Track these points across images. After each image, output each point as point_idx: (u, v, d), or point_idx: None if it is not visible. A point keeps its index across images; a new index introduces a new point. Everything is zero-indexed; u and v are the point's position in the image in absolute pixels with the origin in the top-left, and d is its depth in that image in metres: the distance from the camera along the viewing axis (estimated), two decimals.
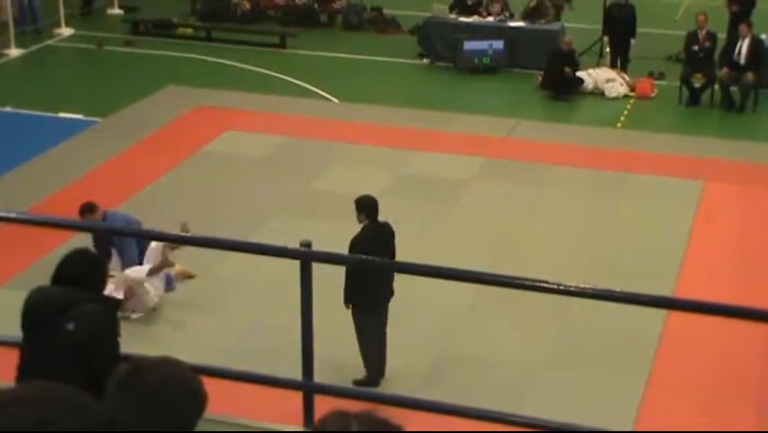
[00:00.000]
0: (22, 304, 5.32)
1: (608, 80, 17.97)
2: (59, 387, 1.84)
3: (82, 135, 15.54)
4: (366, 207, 9.38)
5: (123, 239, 10.73)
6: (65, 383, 2.02)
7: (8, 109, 16.62)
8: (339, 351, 9.48)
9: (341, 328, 9.46)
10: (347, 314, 9.42)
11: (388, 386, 9.40)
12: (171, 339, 10.05)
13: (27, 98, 17.14)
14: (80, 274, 5.26)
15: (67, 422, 1.73)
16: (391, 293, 9.42)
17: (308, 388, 5.47)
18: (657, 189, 13.83)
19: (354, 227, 9.19)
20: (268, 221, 12.49)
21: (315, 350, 5.45)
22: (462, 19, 19.67)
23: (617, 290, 5.16)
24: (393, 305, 9.51)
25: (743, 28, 17.40)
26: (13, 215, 6.90)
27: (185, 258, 11.18)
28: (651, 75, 18.51)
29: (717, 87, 17.34)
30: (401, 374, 9.46)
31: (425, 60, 19.63)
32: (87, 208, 10.49)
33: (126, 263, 10.70)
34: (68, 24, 21.09)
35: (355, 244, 9.07)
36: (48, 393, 1.80)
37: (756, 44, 17.26)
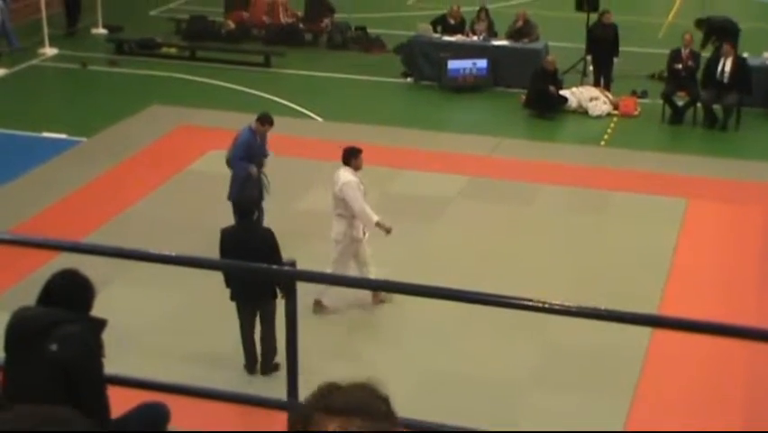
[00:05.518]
0: (6, 325, 5.30)
1: (592, 99, 18.04)
2: (48, 409, 1.84)
3: (66, 155, 15.50)
4: (237, 205, 10.47)
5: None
6: (47, 404, 2.01)
7: None
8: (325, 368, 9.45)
9: (326, 345, 9.41)
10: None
11: None
12: (156, 358, 9.99)
13: (11, 118, 17.09)
14: (67, 295, 5.25)
15: None
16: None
17: (293, 408, 5.44)
18: (641, 207, 13.87)
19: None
20: None
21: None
22: (447, 38, 19.75)
23: (602, 308, 5.17)
24: (380, 323, 9.47)
25: (726, 47, 17.49)
26: None
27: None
28: (634, 93, 18.60)
29: (699, 105, 17.43)
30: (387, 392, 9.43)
31: (409, 79, 19.69)
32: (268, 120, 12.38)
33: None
34: (52, 44, 21.07)
35: (221, 234, 9.87)
36: (42, 421, 1.80)
37: (739, 63, 17.35)
